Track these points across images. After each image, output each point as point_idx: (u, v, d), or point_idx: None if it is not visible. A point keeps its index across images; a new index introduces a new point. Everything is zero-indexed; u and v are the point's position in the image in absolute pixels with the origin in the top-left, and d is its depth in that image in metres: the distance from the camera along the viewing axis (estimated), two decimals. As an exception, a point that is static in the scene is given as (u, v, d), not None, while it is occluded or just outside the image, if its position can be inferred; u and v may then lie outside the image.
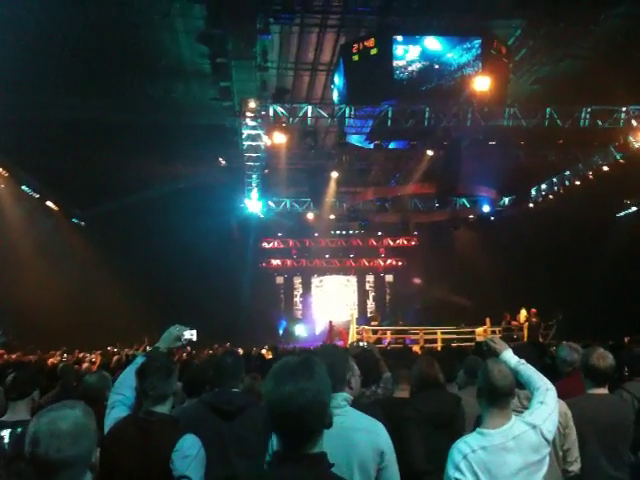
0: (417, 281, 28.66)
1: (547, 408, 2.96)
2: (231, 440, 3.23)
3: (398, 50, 14.37)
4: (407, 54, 14.35)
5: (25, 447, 1.97)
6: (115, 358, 11.99)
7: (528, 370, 3.17)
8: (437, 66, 14.59)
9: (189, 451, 2.81)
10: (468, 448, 2.76)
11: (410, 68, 14.48)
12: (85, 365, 10.50)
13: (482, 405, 3.00)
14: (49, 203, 20.75)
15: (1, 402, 4.12)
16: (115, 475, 2.79)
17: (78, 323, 18.38)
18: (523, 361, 3.23)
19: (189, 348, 13.70)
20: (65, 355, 14.40)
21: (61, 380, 6.47)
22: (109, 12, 12.45)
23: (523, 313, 18.28)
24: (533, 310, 18.04)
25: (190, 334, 3.71)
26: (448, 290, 23.90)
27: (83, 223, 23.49)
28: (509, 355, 3.28)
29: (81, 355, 14.31)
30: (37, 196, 19.76)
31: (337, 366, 2.85)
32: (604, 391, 3.88)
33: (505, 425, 2.84)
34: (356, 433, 2.68)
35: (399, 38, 14.32)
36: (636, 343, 10.26)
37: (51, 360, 12.16)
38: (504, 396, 2.90)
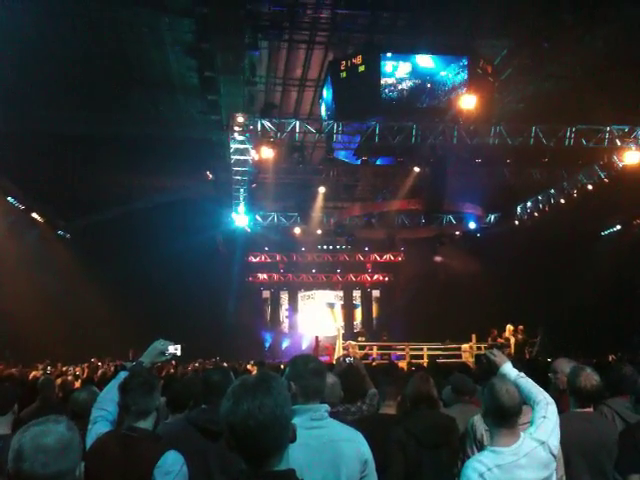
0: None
1: (550, 423, 2.98)
2: (216, 460, 3.19)
3: (387, 66, 14.30)
4: (397, 71, 14.29)
5: (8, 462, 1.93)
6: (100, 372, 11.87)
7: (528, 384, 3.17)
8: (429, 85, 14.50)
9: (171, 467, 2.77)
10: (484, 467, 2.75)
11: (400, 86, 14.36)
12: (69, 378, 10.37)
13: (489, 424, 3.00)
14: (34, 215, 20.59)
15: None
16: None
17: (62, 336, 18.19)
18: (523, 374, 3.24)
19: (174, 362, 13.58)
20: (48, 368, 14.23)
21: (41, 394, 6.37)
22: (98, 26, 12.45)
23: (509, 329, 18.32)
24: (520, 327, 18.09)
25: (174, 349, 3.67)
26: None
27: (68, 235, 23.30)
28: (509, 368, 3.30)
29: (64, 369, 14.14)
30: (22, 207, 19.59)
31: (323, 375, 2.86)
32: (589, 410, 3.88)
33: (516, 443, 2.85)
34: (342, 444, 2.67)
35: (388, 54, 14.30)
36: (621, 362, 10.31)
37: (33, 373, 12.00)
38: (513, 416, 2.91)
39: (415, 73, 14.43)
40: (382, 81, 14.30)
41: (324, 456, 2.58)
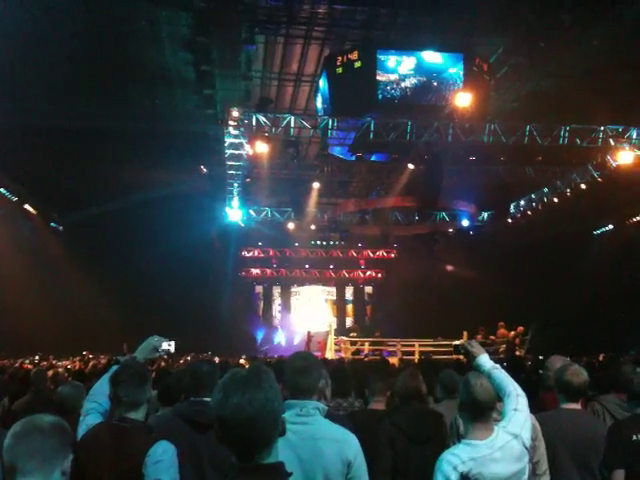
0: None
1: (522, 415, 3.01)
2: (205, 453, 3.17)
3: (390, 62, 14.05)
4: (400, 66, 14.04)
5: (3, 453, 2.02)
6: (91, 364, 11.86)
7: (501, 375, 3.20)
8: (436, 83, 14.19)
9: (162, 456, 2.79)
10: (457, 459, 2.78)
11: (404, 84, 14.06)
12: (60, 370, 10.38)
13: (464, 418, 3.03)
14: (27, 207, 20.52)
15: None
16: (87, 482, 2.76)
17: (55, 329, 18.16)
18: (497, 366, 3.27)
19: (166, 357, 13.58)
20: (37, 358, 14.25)
21: (34, 386, 6.38)
22: (95, 19, 12.39)
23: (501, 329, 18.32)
24: (501, 331, 18.12)
25: (168, 345, 3.69)
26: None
27: (62, 228, 23.25)
28: (485, 359, 3.32)
29: (54, 362, 14.13)
30: (15, 199, 19.53)
31: (309, 373, 2.84)
32: (577, 406, 3.92)
33: (490, 437, 2.88)
34: (324, 442, 2.66)
35: (390, 49, 14.06)
36: (614, 361, 10.36)
37: (25, 366, 12.00)
38: (487, 410, 2.94)
39: (420, 69, 14.14)
40: (384, 78, 14.10)
41: (302, 452, 2.57)
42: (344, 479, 2.66)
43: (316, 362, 3.03)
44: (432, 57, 14.22)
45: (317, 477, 2.58)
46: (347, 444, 2.73)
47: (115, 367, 3.30)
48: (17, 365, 12.01)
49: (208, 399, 3.39)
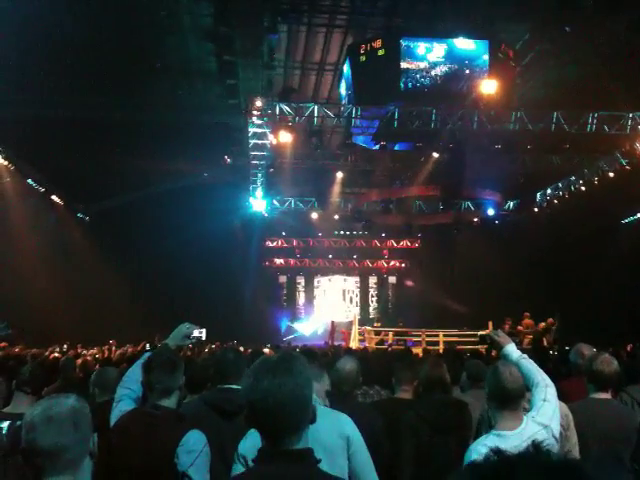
0: (410, 283, 28.84)
1: (551, 405, 2.98)
2: (231, 440, 3.19)
3: (419, 49, 13.85)
4: (430, 53, 13.86)
5: (22, 436, 1.98)
6: (118, 352, 12.01)
7: (529, 365, 3.18)
8: (467, 70, 13.98)
9: (194, 446, 2.80)
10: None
11: (434, 72, 13.93)
12: (89, 359, 10.52)
13: (492, 408, 3.01)
14: (54, 197, 20.80)
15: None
16: (119, 467, 2.79)
17: (80, 318, 18.38)
18: (525, 355, 3.24)
19: (191, 345, 13.67)
20: (65, 347, 14.45)
21: (62, 374, 6.47)
22: (115, 9, 12.44)
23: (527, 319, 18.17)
24: (527, 321, 17.96)
25: (199, 332, 3.71)
26: (446, 296, 23.94)
27: (87, 218, 23.52)
28: (511, 349, 3.30)
29: (80, 351, 14.32)
30: (42, 190, 19.80)
31: None
32: (607, 396, 3.86)
33: (520, 427, 2.85)
34: (319, 419, 2.68)
35: (419, 36, 13.83)
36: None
37: (53, 354, 12.17)
38: (515, 399, 2.92)
39: (451, 57, 13.94)
40: (412, 65, 13.96)
41: None
42: (346, 454, 2.69)
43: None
44: (464, 44, 13.98)
45: (319, 454, 2.60)
46: (341, 420, 2.79)
47: (148, 354, 3.34)
48: (46, 354, 12.18)
49: (234, 386, 3.44)
